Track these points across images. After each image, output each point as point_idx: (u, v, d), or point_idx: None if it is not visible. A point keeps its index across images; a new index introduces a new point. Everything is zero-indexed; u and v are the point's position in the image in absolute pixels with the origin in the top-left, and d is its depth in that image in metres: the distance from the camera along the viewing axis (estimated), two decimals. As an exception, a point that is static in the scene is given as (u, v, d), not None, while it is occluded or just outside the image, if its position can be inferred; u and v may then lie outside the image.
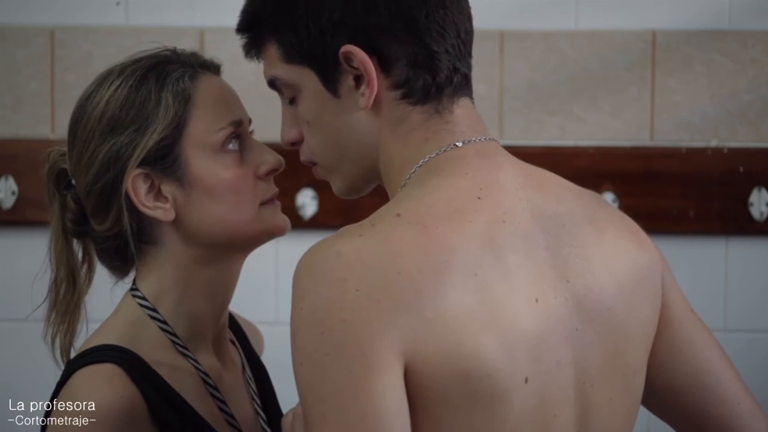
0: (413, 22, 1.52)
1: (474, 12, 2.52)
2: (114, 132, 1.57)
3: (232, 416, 1.64)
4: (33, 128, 2.54)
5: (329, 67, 1.52)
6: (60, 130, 1.63)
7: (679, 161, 2.50)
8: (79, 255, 1.65)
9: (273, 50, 1.54)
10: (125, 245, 1.60)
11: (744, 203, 2.49)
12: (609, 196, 2.50)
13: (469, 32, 1.60)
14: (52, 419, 1.54)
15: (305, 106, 1.55)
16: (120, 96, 1.58)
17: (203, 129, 1.61)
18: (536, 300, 1.40)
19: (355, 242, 1.39)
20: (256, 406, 1.71)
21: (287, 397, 1.84)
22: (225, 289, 1.67)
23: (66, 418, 1.52)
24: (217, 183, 1.61)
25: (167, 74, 1.61)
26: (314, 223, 2.52)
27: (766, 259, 2.52)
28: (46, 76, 2.57)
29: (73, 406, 1.52)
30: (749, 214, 2.49)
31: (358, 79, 1.51)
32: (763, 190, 2.48)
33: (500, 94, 2.54)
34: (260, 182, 1.65)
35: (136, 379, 1.54)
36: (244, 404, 1.69)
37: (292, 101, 1.56)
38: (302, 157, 1.59)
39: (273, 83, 1.56)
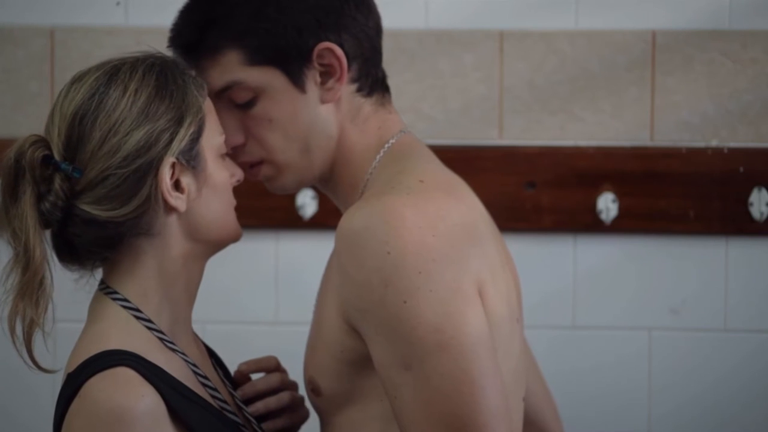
0: (365, 23, 1.68)
1: (474, 12, 2.52)
2: (150, 119, 1.60)
3: (224, 401, 1.69)
4: (33, 128, 2.52)
5: (300, 65, 1.65)
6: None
7: (679, 161, 2.50)
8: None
9: (232, 56, 1.66)
10: (126, 232, 1.61)
11: (744, 203, 2.49)
12: (609, 196, 2.50)
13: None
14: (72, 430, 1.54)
15: (269, 106, 1.67)
16: (149, 86, 1.62)
17: (212, 130, 1.66)
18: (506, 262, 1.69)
19: (411, 198, 1.55)
20: (229, 389, 1.76)
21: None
22: (197, 286, 1.71)
23: (90, 428, 1.52)
24: (220, 182, 1.67)
25: (183, 71, 1.66)
26: (314, 223, 2.52)
27: (766, 259, 2.52)
28: (46, 76, 2.57)
29: (95, 413, 1.52)
30: (749, 214, 2.49)
31: (324, 75, 1.66)
32: (763, 190, 2.48)
33: (500, 94, 2.54)
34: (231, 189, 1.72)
35: (149, 378, 1.56)
36: (222, 389, 1.74)
37: (248, 104, 1.67)
38: (246, 158, 1.73)
39: (226, 89, 1.68)
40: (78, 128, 1.60)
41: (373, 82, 1.70)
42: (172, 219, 1.63)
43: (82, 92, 1.62)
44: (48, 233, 1.63)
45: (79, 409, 1.54)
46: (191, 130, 1.62)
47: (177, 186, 1.62)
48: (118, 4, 2.57)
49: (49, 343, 1.63)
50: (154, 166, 1.60)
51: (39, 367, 1.61)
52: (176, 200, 1.62)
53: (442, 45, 2.53)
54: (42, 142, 1.61)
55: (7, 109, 2.57)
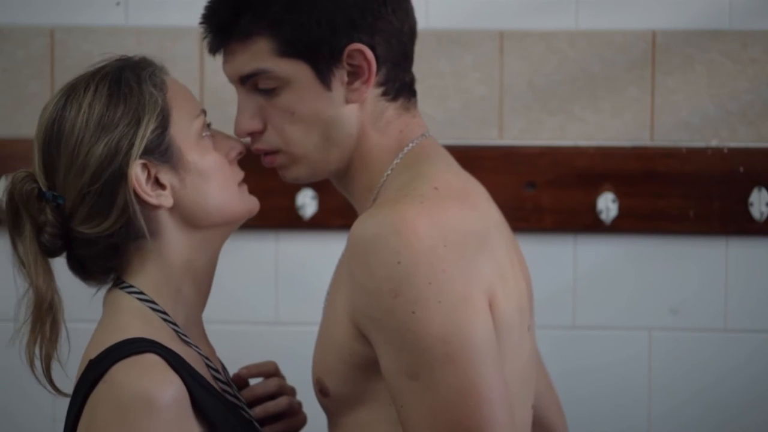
0: (401, 27, 1.67)
1: (474, 12, 2.52)
2: (106, 130, 1.61)
3: (235, 396, 1.70)
4: (33, 128, 2.53)
5: (329, 62, 1.64)
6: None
7: (679, 161, 2.50)
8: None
9: (263, 44, 1.64)
10: (122, 241, 1.62)
11: (744, 203, 2.49)
12: (609, 196, 2.50)
13: None
14: (97, 415, 1.54)
15: (292, 98, 1.65)
16: (102, 97, 1.63)
17: (183, 117, 1.66)
18: (517, 266, 1.68)
19: (424, 208, 1.55)
20: (234, 391, 1.76)
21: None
22: (211, 276, 1.72)
23: (117, 412, 1.52)
24: (206, 165, 1.66)
25: (139, 71, 1.66)
26: (314, 223, 2.52)
27: (766, 259, 2.52)
28: (46, 76, 2.57)
29: (122, 398, 1.53)
30: (749, 214, 2.49)
31: (351, 75, 1.65)
32: (763, 190, 2.48)
33: (500, 94, 2.54)
34: (232, 165, 1.71)
35: (174, 367, 1.57)
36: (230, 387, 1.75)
37: (271, 92, 1.66)
38: (262, 146, 1.71)
39: (252, 76, 1.66)
40: (48, 156, 1.63)
41: (401, 86, 1.69)
42: (164, 216, 1.64)
43: (45, 119, 1.65)
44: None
45: (105, 394, 1.55)
46: (151, 128, 1.62)
47: (158, 183, 1.63)
48: (118, 4, 2.57)
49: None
50: (122, 174, 1.60)
51: (61, 393, 1.63)
52: (158, 198, 1.63)
53: (442, 45, 2.53)
54: (29, 176, 1.64)
55: (7, 109, 2.57)
